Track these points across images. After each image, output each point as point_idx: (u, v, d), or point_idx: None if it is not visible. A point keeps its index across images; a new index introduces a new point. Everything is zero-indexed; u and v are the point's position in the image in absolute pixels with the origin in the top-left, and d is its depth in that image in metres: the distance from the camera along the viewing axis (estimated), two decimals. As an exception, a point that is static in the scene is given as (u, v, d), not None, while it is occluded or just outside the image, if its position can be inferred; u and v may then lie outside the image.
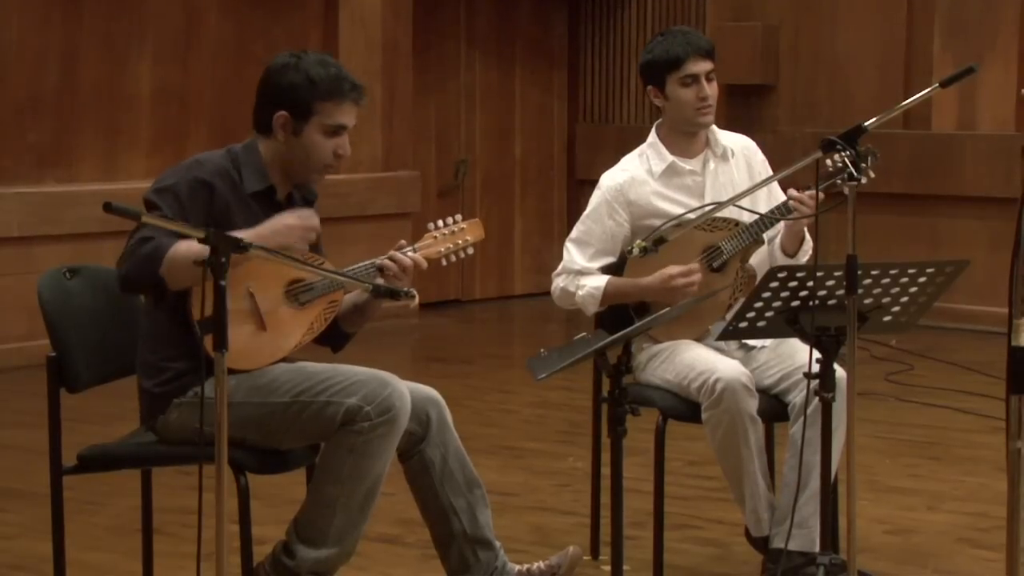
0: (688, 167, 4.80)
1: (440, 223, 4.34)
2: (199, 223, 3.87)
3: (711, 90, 4.73)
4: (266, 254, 3.71)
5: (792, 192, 4.62)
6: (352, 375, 4.05)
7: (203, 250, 3.79)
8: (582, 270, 4.77)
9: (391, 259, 4.17)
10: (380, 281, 4.13)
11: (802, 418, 4.41)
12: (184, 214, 3.93)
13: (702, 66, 4.72)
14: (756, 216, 4.65)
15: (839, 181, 4.50)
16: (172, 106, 9.21)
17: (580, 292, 4.75)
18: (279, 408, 4.02)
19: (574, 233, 4.84)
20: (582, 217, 4.85)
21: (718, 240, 4.70)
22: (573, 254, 4.80)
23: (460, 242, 4.34)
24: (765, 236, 4.73)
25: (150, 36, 9.16)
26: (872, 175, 4.58)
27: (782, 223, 4.70)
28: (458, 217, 4.39)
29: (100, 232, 7.98)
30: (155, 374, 4.07)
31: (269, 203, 4.13)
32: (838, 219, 4.08)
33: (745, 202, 4.56)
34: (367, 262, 4.18)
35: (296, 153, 4.11)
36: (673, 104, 4.75)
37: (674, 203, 4.73)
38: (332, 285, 4.13)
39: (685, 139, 4.81)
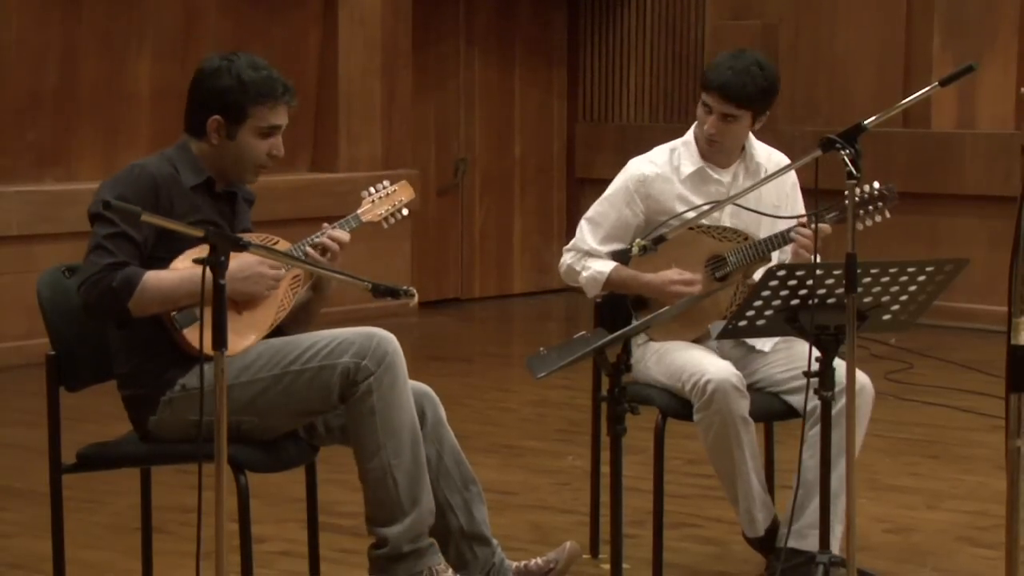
0: (716, 176, 4.74)
1: (372, 189, 4.43)
2: (146, 225, 3.89)
3: (719, 128, 4.64)
4: (264, 251, 3.71)
5: (800, 231, 4.59)
6: (336, 336, 4.06)
7: (175, 287, 3.85)
8: (591, 251, 4.77)
9: (332, 238, 4.18)
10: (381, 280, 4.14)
11: (815, 420, 4.39)
12: (135, 222, 3.91)
13: (717, 104, 4.62)
14: (768, 224, 4.67)
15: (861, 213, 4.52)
16: (171, 104, 9.15)
17: (584, 273, 4.76)
18: (270, 382, 4.02)
19: (590, 212, 4.83)
20: (601, 197, 4.82)
21: (725, 251, 4.68)
22: (585, 233, 4.80)
23: (396, 203, 4.42)
24: (773, 255, 4.70)
25: (149, 35, 9.16)
26: (888, 215, 4.58)
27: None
28: (387, 182, 4.48)
29: (99, 231, 7.97)
30: (134, 380, 4.06)
31: (210, 195, 4.15)
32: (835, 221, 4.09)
33: (769, 210, 4.56)
34: (302, 242, 4.17)
35: (230, 155, 4.13)
36: (698, 116, 4.74)
37: (694, 211, 4.66)
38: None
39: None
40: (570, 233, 4.92)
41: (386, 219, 4.40)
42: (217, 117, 4.10)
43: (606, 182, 4.90)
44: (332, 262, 4.17)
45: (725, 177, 4.76)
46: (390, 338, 4.08)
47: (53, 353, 4.03)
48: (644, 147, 4.93)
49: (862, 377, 4.37)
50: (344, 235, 4.20)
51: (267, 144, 4.13)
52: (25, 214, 8.36)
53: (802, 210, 4.84)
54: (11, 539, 5.25)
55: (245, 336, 4.07)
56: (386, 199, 4.41)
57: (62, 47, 8.80)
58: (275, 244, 4.11)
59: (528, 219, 11.36)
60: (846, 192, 3.98)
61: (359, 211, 4.34)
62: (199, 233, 3.40)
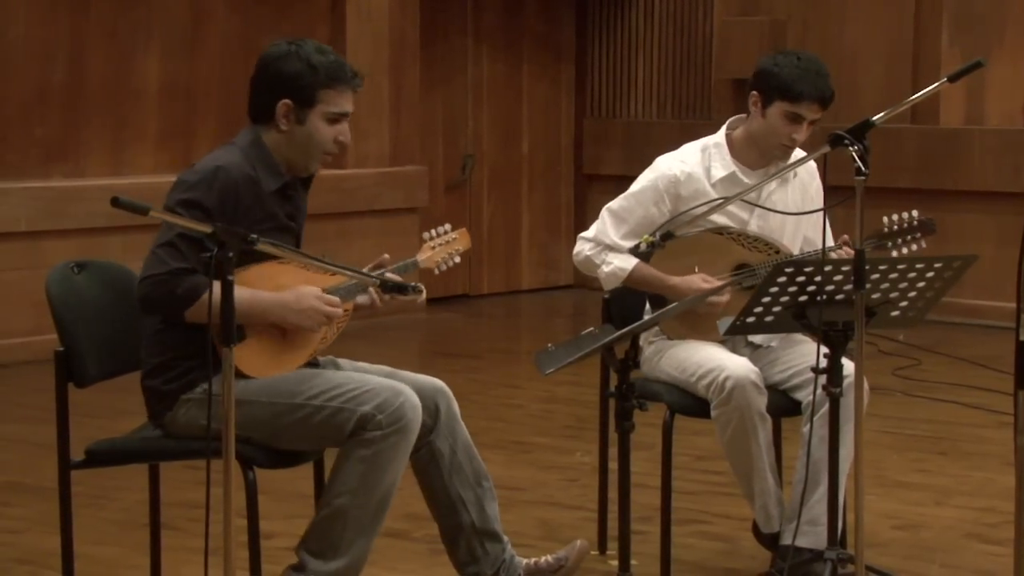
0: (747, 180, 4.67)
1: (434, 232, 4.44)
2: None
3: (804, 135, 4.62)
4: (273, 249, 3.71)
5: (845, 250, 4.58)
6: (365, 383, 4.04)
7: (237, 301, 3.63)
8: (612, 245, 4.72)
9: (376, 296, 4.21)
10: (391, 276, 4.14)
11: (811, 416, 4.41)
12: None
13: (814, 114, 4.59)
14: (798, 238, 4.69)
15: (889, 245, 4.53)
16: (179, 101, 9.22)
17: (605, 268, 4.70)
18: (287, 409, 4.02)
19: (615, 204, 4.76)
20: (628, 192, 4.76)
21: (755, 261, 4.63)
22: (608, 225, 4.74)
23: (452, 251, 4.44)
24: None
25: (157, 31, 9.17)
26: (924, 245, 4.59)
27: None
28: (448, 227, 4.48)
29: (107, 227, 8.01)
30: (161, 372, 4.07)
31: (283, 197, 4.13)
32: (846, 214, 4.08)
33: (790, 223, 4.55)
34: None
35: (298, 141, 4.10)
36: (765, 125, 4.62)
37: (721, 212, 4.59)
38: (348, 295, 4.13)
39: (755, 151, 4.70)
40: (578, 228, 4.90)
41: (438, 266, 4.42)
42: (287, 101, 4.06)
43: (614, 178, 4.89)
44: (372, 308, 4.20)
45: (755, 180, 4.67)
46: (414, 405, 4.04)
47: (61, 349, 4.04)
48: (652, 143, 4.93)
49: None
50: (380, 305, 4.22)
51: (334, 130, 4.10)
52: (33, 210, 8.37)
53: (822, 216, 4.82)
54: (20, 535, 5.26)
55: (281, 361, 4.09)
56: (444, 246, 4.41)
57: (70, 43, 8.81)
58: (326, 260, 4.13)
59: (536, 215, 11.36)
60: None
61: (418, 257, 4.35)
62: (207, 229, 3.41)
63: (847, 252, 4.52)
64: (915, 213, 4.61)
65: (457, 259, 4.45)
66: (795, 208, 4.71)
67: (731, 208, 4.63)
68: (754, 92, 4.66)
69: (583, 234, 4.79)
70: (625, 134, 11.14)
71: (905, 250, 4.59)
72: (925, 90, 4.19)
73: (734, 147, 4.72)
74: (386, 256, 4.24)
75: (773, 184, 4.69)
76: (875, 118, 4.01)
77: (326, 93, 4.06)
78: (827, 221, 4.27)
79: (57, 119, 8.79)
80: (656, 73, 11.21)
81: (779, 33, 10.52)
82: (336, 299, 4.06)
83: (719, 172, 4.70)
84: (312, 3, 9.86)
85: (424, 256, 4.37)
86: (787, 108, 4.58)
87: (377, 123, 10.06)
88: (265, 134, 4.12)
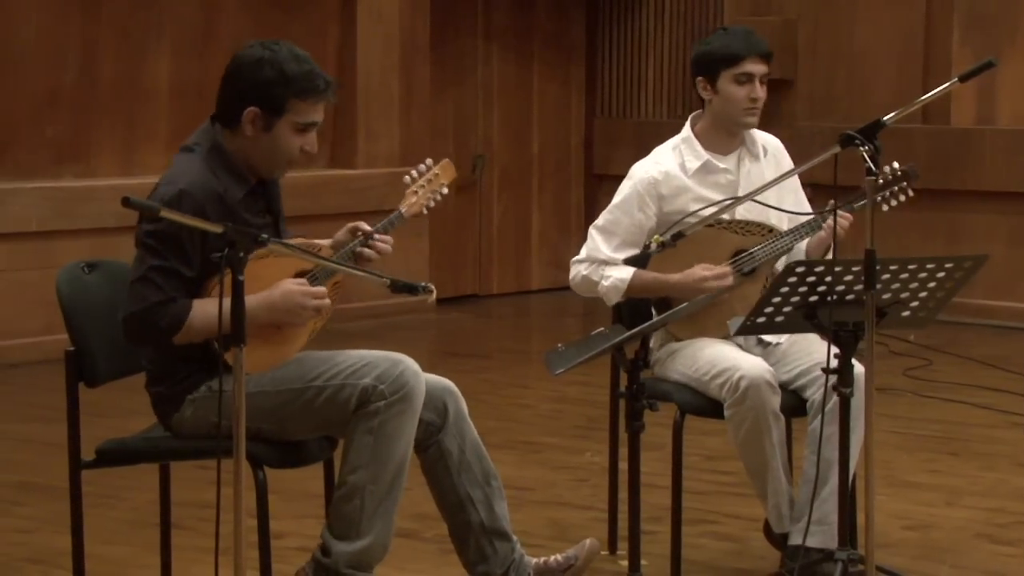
0: (722, 165, 4.76)
1: (414, 173, 4.41)
2: (196, 256, 3.89)
3: (762, 92, 4.71)
4: (285, 250, 3.71)
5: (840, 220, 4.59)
6: (363, 357, 4.06)
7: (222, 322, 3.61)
8: (607, 260, 4.73)
9: (371, 247, 4.18)
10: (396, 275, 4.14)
11: (820, 414, 4.41)
12: (183, 252, 3.90)
13: (759, 68, 4.68)
14: (785, 215, 4.67)
15: (879, 199, 4.55)
16: (190, 101, 9.22)
17: (604, 283, 4.71)
18: (293, 395, 4.03)
19: (600, 221, 4.80)
20: (610, 206, 4.80)
21: (751, 245, 4.65)
22: (598, 242, 4.77)
23: (436, 188, 4.42)
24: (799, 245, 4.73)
25: (168, 31, 9.18)
26: (911, 194, 4.61)
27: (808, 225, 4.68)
28: (429, 162, 4.45)
29: (118, 227, 7.99)
30: (165, 378, 4.07)
31: (251, 201, 4.11)
32: (857, 214, 4.08)
33: (771, 201, 4.55)
34: (346, 249, 4.18)
35: (263, 148, 4.05)
36: (722, 99, 4.71)
37: (705, 202, 4.65)
38: (330, 274, 4.11)
39: (723, 135, 4.77)
40: (588, 228, 4.89)
41: (424, 207, 4.38)
42: (254, 109, 4.02)
43: (624, 178, 4.88)
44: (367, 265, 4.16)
45: (730, 164, 4.77)
46: (415, 372, 4.05)
47: (72, 349, 4.04)
48: (661, 143, 4.92)
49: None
50: (387, 247, 4.19)
51: (301, 140, 4.06)
52: (44, 210, 8.38)
53: (801, 193, 4.85)
54: (31, 534, 5.27)
55: (280, 353, 4.08)
56: (427, 186, 4.39)
57: (81, 43, 8.82)
58: (318, 251, 4.10)
59: (546, 215, 11.36)
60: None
61: (402, 209, 4.33)
62: (218, 229, 3.42)
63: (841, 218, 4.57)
64: (896, 164, 4.64)
65: (444, 191, 4.43)
66: (771, 190, 4.72)
67: (718, 198, 4.65)
68: (699, 78, 4.76)
69: (575, 258, 4.81)
70: (635, 134, 11.13)
71: (894, 202, 4.63)
72: (936, 90, 4.19)
73: (702, 138, 4.79)
74: (362, 224, 4.22)
75: (747, 164, 4.77)
76: (886, 118, 4.01)
77: (296, 103, 4.01)
78: (807, 197, 4.29)
79: (68, 119, 8.81)
80: (666, 73, 11.21)
81: (790, 33, 10.51)
82: (322, 289, 4.05)
83: (693, 164, 4.75)
84: (323, 4, 9.87)
85: (408, 204, 4.34)
86: (733, 72, 4.68)
87: (387, 123, 10.07)
88: (228, 139, 4.08)
